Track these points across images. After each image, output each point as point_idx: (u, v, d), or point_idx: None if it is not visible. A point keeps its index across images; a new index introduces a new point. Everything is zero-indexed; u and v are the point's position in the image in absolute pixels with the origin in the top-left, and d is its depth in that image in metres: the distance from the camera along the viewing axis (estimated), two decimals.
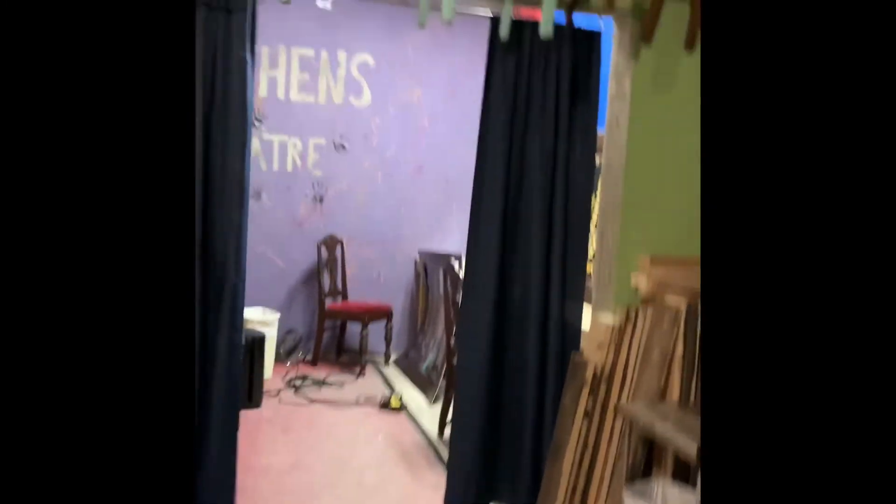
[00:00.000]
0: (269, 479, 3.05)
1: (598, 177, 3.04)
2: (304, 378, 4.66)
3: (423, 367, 4.88)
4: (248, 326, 3.91)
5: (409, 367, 5.06)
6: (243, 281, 2.43)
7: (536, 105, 2.72)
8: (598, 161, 2.93)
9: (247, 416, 2.54)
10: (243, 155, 2.39)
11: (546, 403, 2.76)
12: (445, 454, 3.40)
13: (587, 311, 2.88)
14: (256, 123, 4.98)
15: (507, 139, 2.73)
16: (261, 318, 4.58)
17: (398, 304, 5.54)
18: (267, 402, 4.12)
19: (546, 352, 2.77)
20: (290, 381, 4.60)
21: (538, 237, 2.75)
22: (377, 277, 5.51)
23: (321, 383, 4.60)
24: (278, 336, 4.92)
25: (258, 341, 4.04)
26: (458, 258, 4.66)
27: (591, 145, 2.79)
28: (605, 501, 2.62)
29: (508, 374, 2.79)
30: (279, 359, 4.95)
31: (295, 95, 5.16)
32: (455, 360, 3.60)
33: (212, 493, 2.43)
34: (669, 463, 2.50)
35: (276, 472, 3.13)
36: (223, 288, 2.40)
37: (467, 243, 2.80)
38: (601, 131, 2.84)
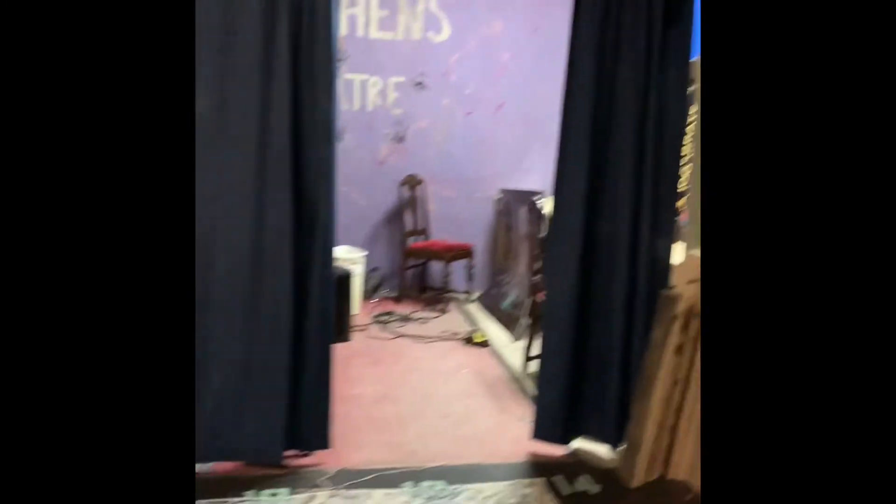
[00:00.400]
0: (360, 408, 3.18)
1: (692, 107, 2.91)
2: (389, 314, 4.78)
3: (505, 304, 4.91)
4: (336, 264, 4.01)
5: (491, 305, 5.10)
6: (333, 217, 2.48)
7: (627, 32, 2.61)
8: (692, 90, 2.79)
9: (337, 350, 2.62)
10: (330, 91, 2.40)
11: (634, 340, 2.73)
12: (530, 388, 3.44)
13: (677, 249, 2.81)
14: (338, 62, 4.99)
15: (596, 69, 2.63)
16: (347, 257, 4.69)
17: (479, 243, 5.56)
18: (356, 337, 4.26)
19: (634, 288, 2.72)
20: (376, 316, 4.73)
21: (627, 172, 2.67)
22: (458, 216, 5.53)
23: (406, 319, 4.71)
24: (364, 273, 5.04)
25: (346, 278, 4.15)
26: (541, 195, 4.60)
27: (684, 74, 2.66)
28: (696, 437, 2.60)
29: (595, 310, 2.77)
30: (365, 296, 5.08)
31: (374, 33, 5.13)
32: (538, 297, 3.60)
33: (310, 419, 2.56)
34: None
35: (366, 402, 3.25)
36: (315, 224, 2.46)
37: (554, 179, 2.76)
38: (696, 58, 2.70)
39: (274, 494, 2.39)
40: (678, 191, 2.77)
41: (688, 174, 2.90)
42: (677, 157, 2.72)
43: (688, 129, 2.88)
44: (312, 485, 2.47)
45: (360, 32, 5.10)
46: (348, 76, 5.12)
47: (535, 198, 4.48)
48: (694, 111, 2.84)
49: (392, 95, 5.24)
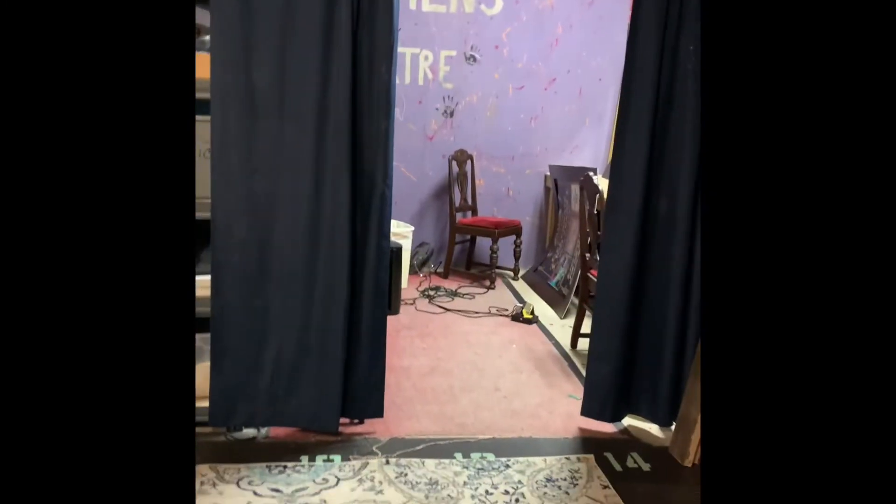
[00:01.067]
0: (410, 379, 3.21)
1: None
2: (436, 288, 4.81)
3: (553, 282, 4.88)
4: None
5: (538, 282, 5.08)
6: (390, 188, 2.49)
7: (691, 3, 2.53)
8: None
9: (387, 322, 2.65)
10: (390, 63, 2.40)
11: (689, 319, 2.69)
12: (579, 364, 3.43)
13: None
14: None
15: (658, 42, 2.56)
16: (396, 231, 4.72)
17: (527, 220, 5.53)
18: (404, 310, 4.30)
19: (691, 266, 2.67)
20: (423, 291, 4.75)
21: (688, 148, 2.61)
22: (507, 192, 5.51)
23: (454, 294, 4.73)
24: (412, 248, 5.06)
25: (396, 252, 4.18)
26: (594, 172, 4.54)
27: None
28: None
29: (650, 287, 2.74)
30: (412, 270, 5.11)
31: (427, 6, 5.10)
32: (589, 275, 3.57)
33: (364, 388, 2.59)
34: None
35: (417, 374, 3.28)
36: (372, 195, 2.47)
37: (612, 154, 2.71)
38: None
39: (327, 460, 2.44)
40: None
41: None
42: None
43: None
44: (365, 452, 2.51)
45: (412, 6, 5.08)
46: (400, 50, 5.10)
47: (588, 174, 4.43)
48: None
49: (443, 69, 5.22)
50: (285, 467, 2.37)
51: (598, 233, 3.31)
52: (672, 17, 2.55)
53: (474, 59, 5.24)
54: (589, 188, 3.64)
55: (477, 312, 4.35)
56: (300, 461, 2.42)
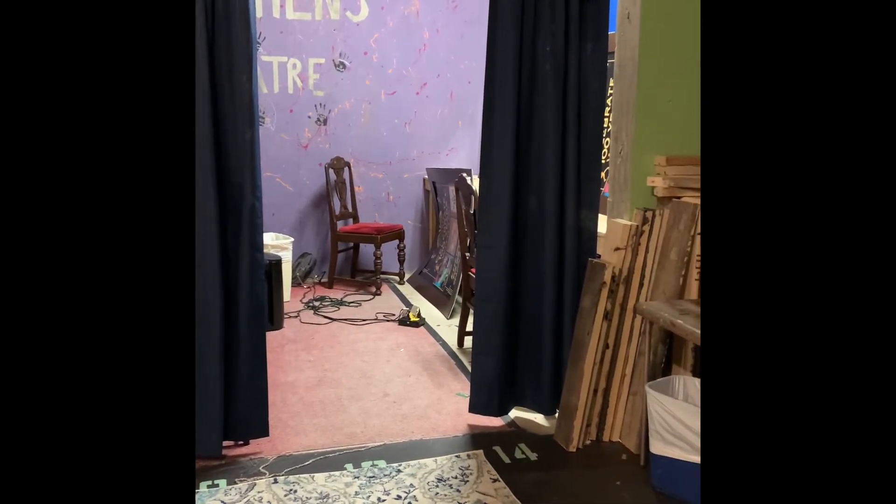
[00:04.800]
0: (297, 394, 3.14)
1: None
2: (321, 299, 4.73)
3: (438, 283, 4.93)
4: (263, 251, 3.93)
5: (424, 285, 5.12)
6: (260, 200, 2.43)
7: (546, 6, 2.64)
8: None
9: (269, 338, 2.58)
10: (250, 72, 2.34)
11: (564, 310, 2.80)
12: (466, 362, 3.48)
13: (602, 220, 2.88)
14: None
15: (517, 45, 2.66)
16: (274, 243, 4.61)
17: (409, 223, 5.56)
18: (288, 324, 4.20)
19: (563, 259, 2.78)
20: (308, 302, 4.67)
21: (552, 146, 2.72)
22: (386, 197, 5.51)
23: (339, 303, 4.67)
24: (293, 260, 4.96)
25: (275, 264, 4.08)
26: (468, 173, 4.63)
27: (603, 46, 2.71)
28: (627, 399, 2.70)
29: (526, 282, 2.82)
30: (295, 282, 5.00)
31: (291, 14, 5.01)
32: (470, 274, 3.63)
33: (246, 408, 2.51)
34: (689, 358, 2.55)
35: (303, 388, 3.22)
36: (241, 209, 2.40)
37: (481, 155, 2.78)
38: (613, 32, 2.76)
39: (212, 486, 2.34)
40: (601, 163, 2.84)
41: (609, 143, 2.98)
42: (599, 130, 2.78)
43: (608, 102, 2.95)
44: (252, 474, 2.43)
45: (275, 14, 4.98)
46: (266, 58, 4.99)
47: (462, 175, 4.51)
48: (613, 81, 2.91)
49: (313, 77, 5.15)
50: None
51: (476, 232, 3.38)
52: (528, 19, 2.65)
53: (344, 66, 5.20)
54: (464, 189, 3.71)
55: (364, 320, 4.32)
56: None
